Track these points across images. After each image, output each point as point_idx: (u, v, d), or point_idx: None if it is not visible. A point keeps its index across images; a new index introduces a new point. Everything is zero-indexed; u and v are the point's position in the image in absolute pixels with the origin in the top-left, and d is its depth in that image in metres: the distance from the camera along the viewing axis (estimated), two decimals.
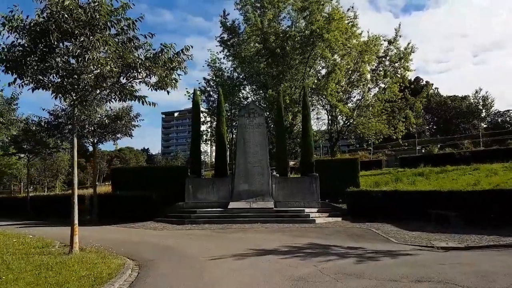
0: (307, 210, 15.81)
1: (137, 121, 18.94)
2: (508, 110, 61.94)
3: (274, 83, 24.89)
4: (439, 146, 35.23)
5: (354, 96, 29.38)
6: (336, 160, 22.86)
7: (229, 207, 16.17)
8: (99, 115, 18.20)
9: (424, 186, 17.46)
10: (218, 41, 28.47)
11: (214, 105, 26.47)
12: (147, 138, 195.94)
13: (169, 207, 17.21)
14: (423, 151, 35.19)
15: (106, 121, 18.58)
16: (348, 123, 28.49)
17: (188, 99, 22.53)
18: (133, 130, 19.10)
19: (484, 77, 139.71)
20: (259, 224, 14.22)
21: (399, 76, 27.69)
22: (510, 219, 11.01)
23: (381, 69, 28.11)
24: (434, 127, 63.29)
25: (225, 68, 29.25)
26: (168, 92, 9.68)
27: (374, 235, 10.92)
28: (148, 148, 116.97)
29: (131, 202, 17.12)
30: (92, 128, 18.81)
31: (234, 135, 27.48)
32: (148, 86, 9.41)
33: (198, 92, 27.75)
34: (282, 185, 17.72)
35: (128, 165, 67.15)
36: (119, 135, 19.42)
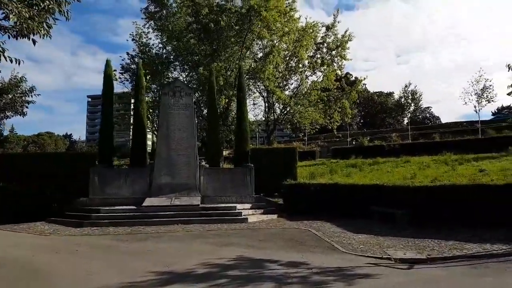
0: (239, 206, 13.66)
1: (32, 96, 15.31)
2: (429, 107, 68.69)
3: (207, 61, 22.06)
4: (368, 138, 36.13)
5: (292, 83, 28.22)
6: (274, 149, 21.01)
7: (144, 204, 13.14)
8: None
9: (360, 178, 16.63)
10: (143, 12, 24.59)
11: None
12: (73, 124, 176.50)
13: (71, 204, 13.61)
14: (353, 143, 35.78)
15: None
16: (285, 111, 27.25)
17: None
18: (26, 107, 16.10)
19: (406, 77, 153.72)
20: (180, 225, 11.59)
21: (335, 65, 27.26)
22: (463, 218, 9.93)
23: (318, 56, 27.30)
24: (361, 121, 67.02)
25: (153, 45, 25.58)
26: (34, 42, 6.50)
27: (317, 240, 9.10)
28: (71, 134, 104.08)
29: (17, 197, 13.12)
30: None
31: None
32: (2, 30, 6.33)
33: (120, 70, 23.93)
34: (212, 177, 15.22)
35: (45, 151, 57.76)
36: (9, 113, 15.82)
